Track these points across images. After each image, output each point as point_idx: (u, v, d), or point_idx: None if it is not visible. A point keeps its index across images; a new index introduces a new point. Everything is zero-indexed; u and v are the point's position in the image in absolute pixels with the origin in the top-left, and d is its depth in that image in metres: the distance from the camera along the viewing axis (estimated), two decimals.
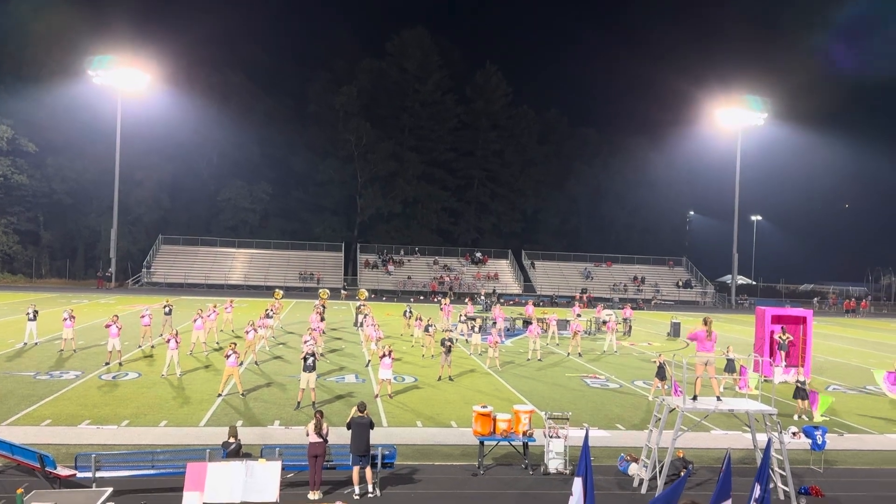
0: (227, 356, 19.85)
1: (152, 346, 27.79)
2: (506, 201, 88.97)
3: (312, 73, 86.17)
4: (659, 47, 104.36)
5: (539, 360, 29.07)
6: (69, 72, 65.73)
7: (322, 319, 32.73)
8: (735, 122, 73.70)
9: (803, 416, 20.32)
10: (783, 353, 26.06)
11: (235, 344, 20.69)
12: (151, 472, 13.14)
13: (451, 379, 23.83)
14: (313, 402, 19.15)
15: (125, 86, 64.45)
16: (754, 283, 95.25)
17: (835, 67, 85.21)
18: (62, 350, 26.29)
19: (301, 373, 19.43)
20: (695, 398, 13.96)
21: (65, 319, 26.33)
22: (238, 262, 72.62)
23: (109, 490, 11.17)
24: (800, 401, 20.61)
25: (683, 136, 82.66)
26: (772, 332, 26.57)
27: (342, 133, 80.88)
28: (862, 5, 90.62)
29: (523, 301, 57.13)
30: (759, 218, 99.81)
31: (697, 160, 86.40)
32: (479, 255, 78.35)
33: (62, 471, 12.75)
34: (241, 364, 24.19)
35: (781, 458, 13.49)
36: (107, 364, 23.86)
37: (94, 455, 12.88)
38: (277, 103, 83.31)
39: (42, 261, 70.84)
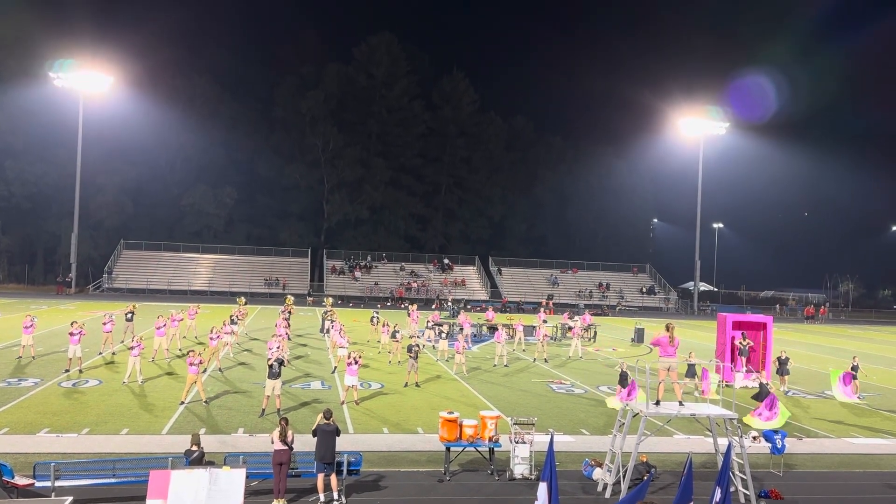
0: (190, 364, 19.61)
1: (113, 353, 27.34)
2: (473, 207, 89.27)
3: (279, 77, 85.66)
4: (623, 57, 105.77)
5: (505, 365, 29.20)
6: (29, 74, 64.59)
7: (288, 325, 32.51)
8: (697, 131, 75.02)
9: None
10: (744, 359, 26.51)
11: (198, 352, 20.41)
12: (112, 480, 12.93)
13: (417, 385, 23.82)
14: (278, 410, 18.99)
15: (87, 89, 63.51)
16: (716, 289, 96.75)
17: (793, 79, 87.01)
18: (20, 357, 25.74)
19: (266, 379, 19.27)
20: (657, 403, 14.14)
21: (26, 327, 25.77)
22: (202, 268, 71.78)
23: (69, 500, 10.95)
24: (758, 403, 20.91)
25: (647, 145, 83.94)
26: (733, 338, 27.02)
27: (309, 138, 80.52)
28: (819, 19, 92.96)
29: (487, 307, 57.23)
30: (721, 225, 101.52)
31: (660, 168, 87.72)
32: (446, 261, 78.44)
33: (20, 480, 12.48)
34: (205, 371, 23.90)
35: (742, 461, 13.73)
36: (66, 371, 23.42)
37: (53, 464, 12.64)
38: (243, 107, 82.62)
39: (0, 266, 69.30)
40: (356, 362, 20.61)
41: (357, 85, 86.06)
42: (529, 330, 37.16)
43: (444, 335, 30.92)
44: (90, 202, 70.00)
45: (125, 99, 67.47)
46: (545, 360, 31.13)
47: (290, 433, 12.97)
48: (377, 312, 39.27)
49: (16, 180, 67.95)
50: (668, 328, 14.83)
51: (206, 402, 19.96)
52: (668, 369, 14.45)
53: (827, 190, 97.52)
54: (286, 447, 12.85)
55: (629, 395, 18.54)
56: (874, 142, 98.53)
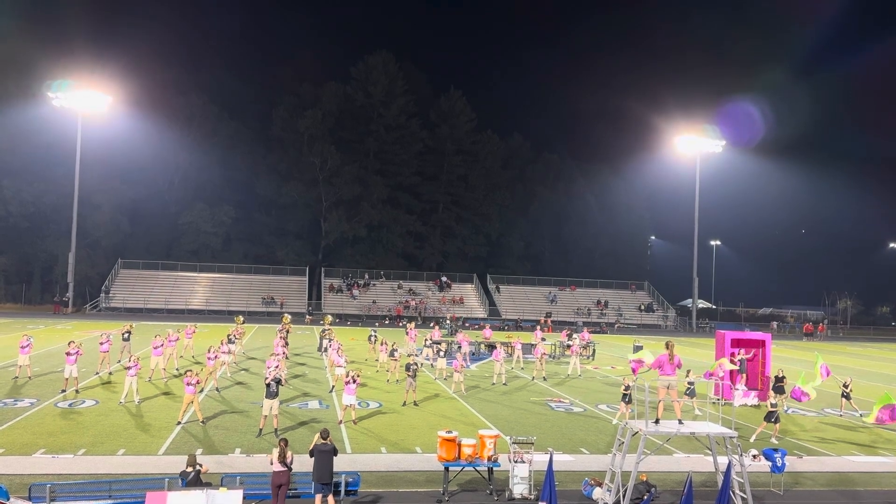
0: (187, 383, 19.51)
1: (110, 373, 27.21)
2: (470, 225, 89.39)
3: (277, 96, 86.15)
4: (620, 76, 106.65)
5: (504, 384, 29.07)
6: (28, 94, 64.78)
7: (286, 344, 32.41)
8: (693, 149, 75.35)
9: (773, 441, 20.46)
10: (744, 376, 26.44)
11: (195, 372, 20.29)
12: (108, 502, 12.84)
13: (416, 404, 23.70)
14: (276, 429, 18.89)
15: (86, 108, 63.66)
16: (714, 306, 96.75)
17: (790, 99, 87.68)
18: (17, 377, 25.62)
19: (264, 399, 19.17)
20: (657, 421, 14.08)
21: (22, 347, 25.66)
22: (199, 287, 71.65)
23: None
24: (764, 423, 20.81)
25: (643, 163, 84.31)
26: (732, 354, 26.96)
27: (307, 156, 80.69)
28: (816, 42, 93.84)
29: (485, 325, 57.17)
30: (719, 243, 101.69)
31: (657, 186, 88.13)
32: (444, 279, 78.37)
33: (15, 501, 12.37)
34: (202, 391, 23.81)
35: (742, 480, 13.65)
36: (63, 391, 23.30)
37: (48, 485, 12.55)
38: (242, 126, 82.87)
39: None
40: (354, 381, 20.53)
41: (355, 103, 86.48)
42: (528, 348, 37.06)
43: (442, 353, 30.85)
44: (88, 221, 69.94)
45: (123, 118, 67.59)
46: (544, 378, 31.03)
47: (289, 454, 12.89)
48: (374, 331, 39.17)
49: (13, 199, 67.91)
50: (667, 346, 14.81)
51: (203, 421, 19.85)
52: (668, 387, 14.41)
53: (825, 207, 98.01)
54: (285, 468, 12.77)
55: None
56: (872, 160, 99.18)
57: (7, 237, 69.94)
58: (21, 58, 66.05)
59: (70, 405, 21.75)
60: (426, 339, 35.70)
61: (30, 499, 12.48)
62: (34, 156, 67.59)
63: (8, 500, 12.29)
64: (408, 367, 24.10)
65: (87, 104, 63.44)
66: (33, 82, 64.68)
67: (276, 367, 22.65)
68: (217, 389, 24.81)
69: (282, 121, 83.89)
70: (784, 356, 46.23)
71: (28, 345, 25.78)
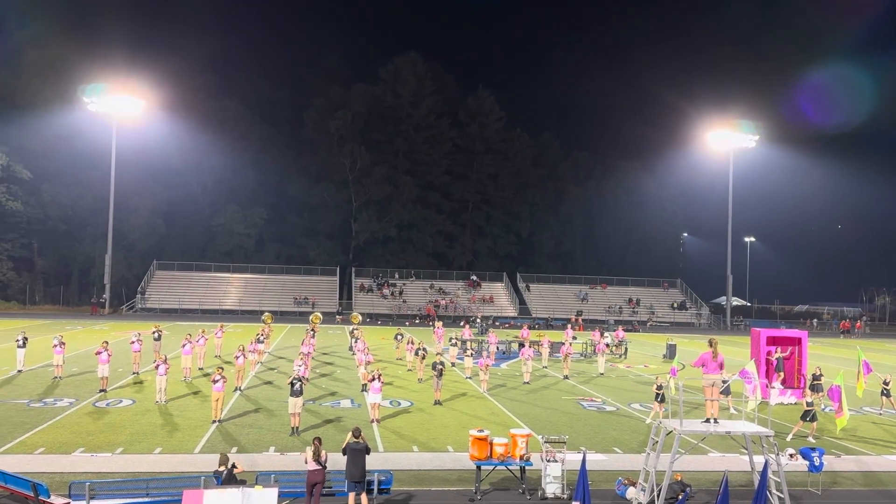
0: (214, 381, 19.72)
1: (137, 373, 27.60)
2: (501, 224, 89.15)
3: (307, 98, 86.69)
4: (650, 72, 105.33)
5: (526, 382, 28.84)
6: (64, 99, 66.00)
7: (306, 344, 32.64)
8: (726, 144, 74.34)
9: (810, 440, 20.15)
10: (781, 375, 26.04)
11: (223, 369, 20.47)
12: (146, 500, 13.06)
13: (439, 403, 23.64)
14: (295, 427, 19.06)
15: (121, 113, 64.70)
16: (749, 304, 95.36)
17: (826, 92, 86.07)
18: (57, 377, 26.16)
19: (289, 397, 19.37)
20: (707, 420, 13.92)
21: (55, 346, 26.24)
22: (233, 288, 72.47)
23: None
24: (801, 422, 20.48)
25: (675, 159, 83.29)
26: (768, 353, 26.58)
27: (337, 157, 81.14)
28: (851, 32, 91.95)
29: (519, 324, 57.06)
30: (753, 239, 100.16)
31: (690, 182, 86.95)
32: (473, 277, 78.31)
33: (56, 499, 12.65)
34: (237, 390, 24.13)
35: (779, 479, 13.45)
36: (103, 391, 23.74)
37: (88, 483, 12.80)
38: (273, 129, 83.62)
39: (36, 287, 70.65)
40: (377, 379, 20.63)
41: (384, 104, 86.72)
42: (556, 346, 36.88)
43: (468, 352, 30.81)
44: (124, 224, 71.14)
45: (157, 123, 68.62)
46: (564, 377, 30.81)
47: (323, 453, 12.98)
48: (401, 331, 39.31)
49: (51, 203, 69.38)
50: (710, 344, 14.65)
51: (219, 420, 19.99)
52: (713, 385, 14.25)
53: (862, 202, 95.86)
54: (320, 467, 12.87)
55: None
56: None
57: (46, 240, 71.48)
58: (57, 63, 67.32)
59: (108, 405, 22.15)
60: (451, 338, 35.74)
61: (70, 496, 12.73)
62: (71, 160, 68.94)
63: (49, 497, 12.55)
64: (434, 366, 24.13)
65: (122, 108, 64.48)
66: (69, 87, 65.86)
67: (304, 366, 22.92)
68: (239, 389, 24.83)
69: (312, 123, 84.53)
70: (821, 353, 45.46)
71: (61, 344, 26.35)
